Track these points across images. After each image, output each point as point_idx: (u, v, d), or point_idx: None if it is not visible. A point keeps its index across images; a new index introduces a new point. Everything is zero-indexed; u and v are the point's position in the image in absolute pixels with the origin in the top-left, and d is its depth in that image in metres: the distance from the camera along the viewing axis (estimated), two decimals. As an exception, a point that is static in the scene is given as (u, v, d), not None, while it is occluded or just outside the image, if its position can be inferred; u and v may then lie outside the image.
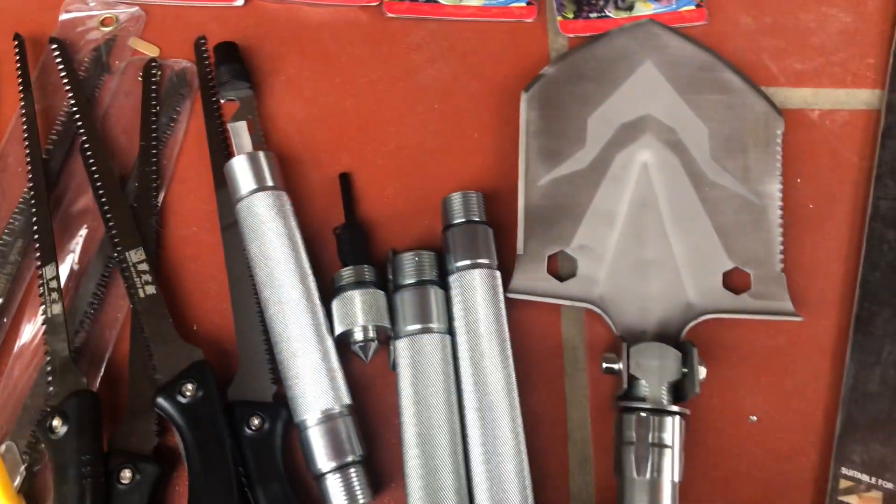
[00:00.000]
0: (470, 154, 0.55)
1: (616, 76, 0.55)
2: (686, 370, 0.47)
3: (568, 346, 0.51)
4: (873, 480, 0.49)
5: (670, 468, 0.46)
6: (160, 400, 0.47)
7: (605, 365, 0.48)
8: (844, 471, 0.49)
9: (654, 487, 0.45)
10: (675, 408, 0.47)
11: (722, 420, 0.50)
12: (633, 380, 0.48)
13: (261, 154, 0.51)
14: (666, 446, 0.46)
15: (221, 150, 0.54)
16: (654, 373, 0.47)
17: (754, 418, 0.50)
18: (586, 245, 0.52)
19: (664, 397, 0.47)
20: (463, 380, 0.48)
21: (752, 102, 0.55)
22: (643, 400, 0.47)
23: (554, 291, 0.51)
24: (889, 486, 0.49)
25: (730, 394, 0.51)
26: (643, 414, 0.46)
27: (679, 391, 0.48)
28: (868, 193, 0.55)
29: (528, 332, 0.51)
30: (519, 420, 0.47)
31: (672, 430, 0.46)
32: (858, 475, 0.49)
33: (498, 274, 0.50)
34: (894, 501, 0.48)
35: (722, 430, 0.50)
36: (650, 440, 0.46)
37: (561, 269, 0.52)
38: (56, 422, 0.45)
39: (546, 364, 0.51)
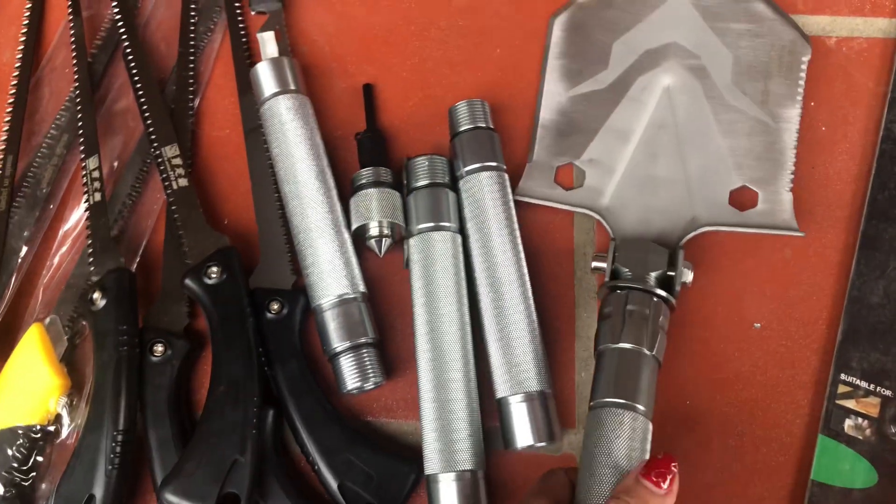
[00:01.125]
0: (491, 69, 0.57)
1: (645, 5, 0.56)
2: (672, 273, 0.48)
3: (579, 251, 0.54)
4: (871, 387, 0.50)
5: (648, 340, 0.45)
6: (188, 281, 0.50)
7: (593, 264, 0.50)
8: (844, 377, 0.51)
9: (631, 357, 0.45)
10: (659, 291, 0.47)
11: (727, 326, 0.52)
12: (618, 272, 0.49)
13: (284, 60, 0.54)
14: (644, 318, 0.46)
15: (244, 60, 0.57)
16: (638, 263, 0.48)
17: (758, 325, 0.52)
18: (596, 159, 0.53)
19: (649, 281, 0.48)
20: (476, 275, 0.50)
21: (780, 31, 0.55)
22: (626, 281, 0.48)
23: (558, 197, 0.53)
24: (887, 392, 0.50)
25: (735, 302, 0.52)
26: (621, 292, 0.47)
27: (665, 289, 0.48)
28: (881, 117, 0.56)
29: (540, 237, 0.54)
30: (532, 307, 0.50)
31: (652, 307, 0.46)
32: (857, 381, 0.51)
33: (506, 176, 0.52)
34: (890, 407, 0.50)
35: (726, 335, 0.52)
36: (628, 310, 0.46)
37: (569, 181, 0.54)
38: (96, 294, 0.48)
39: (557, 267, 0.53)
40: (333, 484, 0.47)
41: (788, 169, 0.53)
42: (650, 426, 0.44)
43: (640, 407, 0.44)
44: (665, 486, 0.40)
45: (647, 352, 0.45)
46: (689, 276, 0.49)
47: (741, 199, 0.53)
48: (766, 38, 0.55)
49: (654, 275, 0.48)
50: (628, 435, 0.43)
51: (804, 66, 0.55)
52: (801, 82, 0.55)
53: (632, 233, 0.51)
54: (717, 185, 0.53)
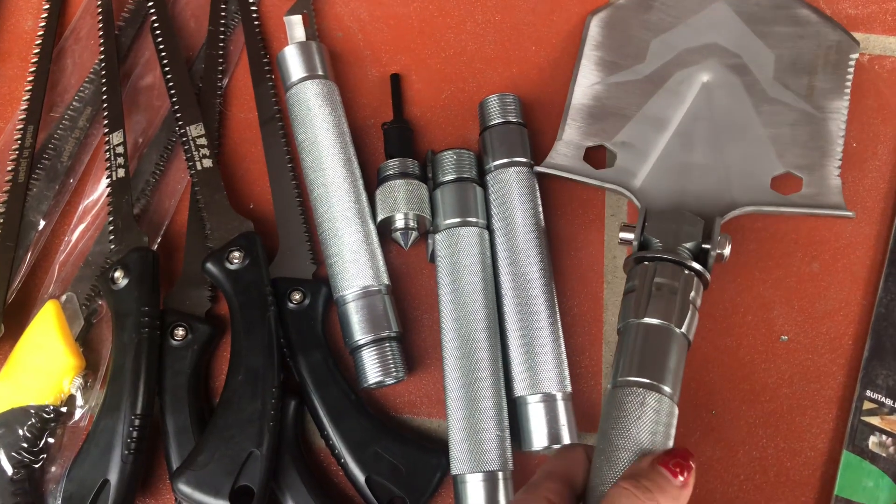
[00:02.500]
0: (525, 66, 0.56)
1: (686, 10, 0.56)
2: (707, 246, 0.45)
3: (609, 254, 0.53)
4: (896, 405, 0.50)
5: (677, 315, 0.41)
6: (209, 265, 0.48)
7: (621, 235, 0.46)
8: (869, 393, 0.50)
9: (657, 333, 0.41)
10: (691, 263, 0.43)
11: (754, 337, 0.52)
12: (648, 243, 0.45)
13: (312, 44, 0.53)
14: (672, 292, 0.42)
15: (258, 50, 0.55)
16: (670, 233, 0.45)
17: (785, 338, 0.52)
18: (629, 142, 0.52)
19: (681, 253, 0.44)
20: (500, 270, 0.50)
21: (825, 33, 0.54)
22: (655, 253, 0.44)
23: (587, 172, 0.51)
24: (912, 410, 0.50)
25: (764, 313, 0.52)
26: (648, 263, 0.44)
27: (699, 263, 0.45)
28: (911, 136, 0.56)
29: (571, 239, 0.53)
30: (556, 307, 0.49)
31: (682, 280, 0.43)
32: (882, 398, 0.50)
33: (534, 173, 0.51)
34: (916, 425, 0.49)
35: (753, 346, 0.51)
36: (656, 282, 0.42)
37: (599, 163, 0.52)
38: (118, 273, 0.47)
39: (587, 270, 0.52)
40: (361, 477, 0.46)
41: (836, 156, 0.51)
42: (676, 410, 0.40)
43: (666, 388, 0.39)
44: (682, 478, 0.37)
45: (676, 328, 0.41)
46: (727, 247, 0.45)
47: (784, 184, 0.50)
48: (810, 39, 0.54)
49: (687, 246, 0.45)
50: (651, 418, 0.39)
51: (852, 63, 0.54)
52: (849, 77, 0.53)
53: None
54: (757, 171, 0.50)
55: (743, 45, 0.54)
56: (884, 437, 0.50)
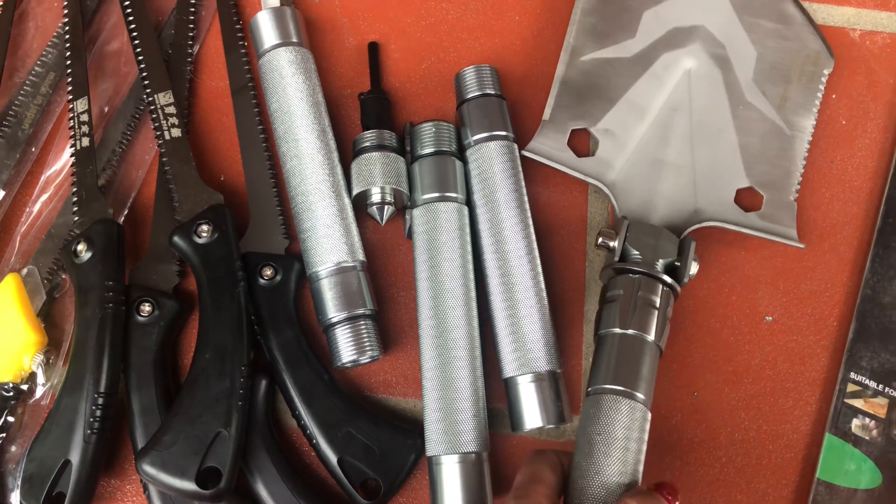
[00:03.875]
0: (509, 35, 0.54)
1: (679, -18, 0.55)
2: (679, 263, 0.47)
3: (592, 231, 0.52)
4: (880, 387, 0.49)
5: (657, 329, 0.44)
6: (176, 239, 0.47)
7: (600, 240, 0.47)
8: (853, 375, 0.50)
9: (636, 345, 0.44)
10: (667, 278, 0.45)
11: (738, 317, 0.51)
12: (627, 253, 0.47)
13: (286, 10, 0.51)
14: (653, 307, 0.45)
15: (231, 15, 0.53)
16: (648, 248, 0.46)
17: (770, 318, 0.51)
18: (611, 130, 0.51)
19: (657, 267, 0.46)
20: (483, 248, 0.48)
21: (806, 38, 0.54)
22: (636, 265, 0.46)
23: (569, 162, 0.50)
24: (895, 393, 0.49)
25: (748, 293, 0.51)
26: (633, 276, 0.45)
27: (672, 277, 0.47)
28: (901, 114, 0.55)
29: (552, 216, 0.52)
30: (542, 283, 0.47)
31: (661, 295, 0.45)
32: (866, 381, 0.50)
33: (516, 146, 0.50)
34: (899, 408, 0.49)
35: (738, 326, 0.50)
36: (639, 296, 0.45)
37: (582, 149, 0.52)
38: (81, 246, 0.45)
39: (569, 248, 0.51)
40: (333, 458, 0.45)
41: (796, 178, 0.52)
42: (649, 415, 0.43)
43: (640, 395, 0.43)
44: None
45: (653, 340, 0.44)
46: (695, 268, 0.47)
47: (746, 199, 0.51)
48: (792, 41, 0.54)
49: (662, 262, 0.46)
50: (626, 424, 0.42)
51: (824, 80, 0.54)
52: (820, 94, 0.54)
53: (636, 214, 0.50)
54: (724, 182, 0.51)
55: (729, 35, 0.54)
56: (867, 419, 0.49)
